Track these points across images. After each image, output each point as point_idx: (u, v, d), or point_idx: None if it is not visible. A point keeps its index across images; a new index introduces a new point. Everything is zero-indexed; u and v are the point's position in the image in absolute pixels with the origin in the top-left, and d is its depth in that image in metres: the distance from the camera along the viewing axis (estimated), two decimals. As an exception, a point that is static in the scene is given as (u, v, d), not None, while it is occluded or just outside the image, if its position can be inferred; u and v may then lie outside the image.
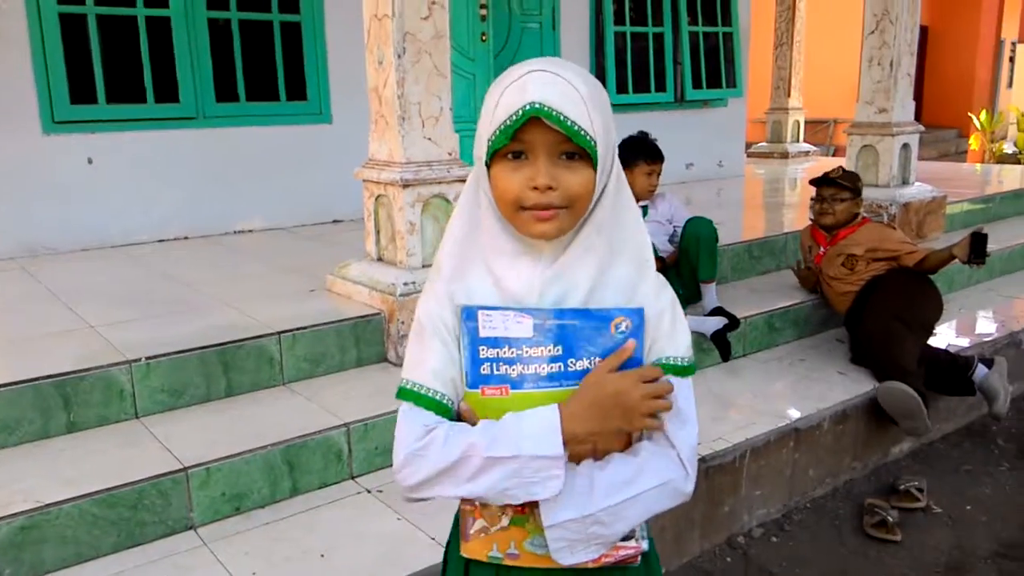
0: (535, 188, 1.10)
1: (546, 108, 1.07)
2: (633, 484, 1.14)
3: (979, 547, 3.15)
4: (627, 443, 1.19)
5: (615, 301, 1.17)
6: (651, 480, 1.15)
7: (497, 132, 1.10)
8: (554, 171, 1.10)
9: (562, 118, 1.07)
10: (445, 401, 1.16)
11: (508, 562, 1.21)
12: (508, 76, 1.12)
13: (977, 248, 3.72)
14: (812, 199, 4.27)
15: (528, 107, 1.07)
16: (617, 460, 1.16)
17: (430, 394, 1.16)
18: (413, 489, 1.15)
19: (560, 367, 1.14)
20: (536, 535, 1.18)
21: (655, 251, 3.97)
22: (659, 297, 1.20)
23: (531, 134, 1.09)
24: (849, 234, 4.10)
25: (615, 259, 1.17)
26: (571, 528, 1.13)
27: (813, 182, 4.27)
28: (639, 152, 3.96)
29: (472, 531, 1.21)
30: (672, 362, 1.19)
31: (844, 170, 4.21)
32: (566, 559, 1.15)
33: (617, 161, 1.18)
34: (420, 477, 1.13)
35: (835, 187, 4.14)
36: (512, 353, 1.15)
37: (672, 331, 1.19)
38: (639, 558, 1.23)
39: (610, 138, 1.14)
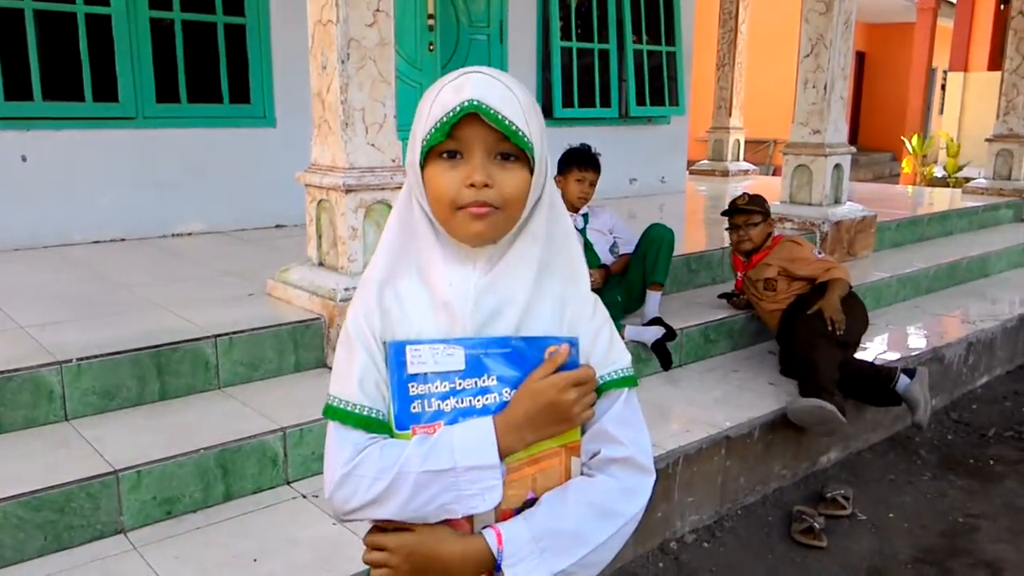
0: (471, 185, 1.08)
1: (484, 105, 1.06)
2: (595, 531, 1.11)
3: (900, 552, 3.26)
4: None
5: (550, 315, 1.15)
6: (612, 523, 1.12)
7: (433, 129, 1.09)
8: (490, 169, 1.09)
9: (500, 116, 1.07)
10: (374, 415, 1.12)
11: None
12: (443, 80, 1.12)
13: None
14: (727, 229, 4.38)
15: (467, 103, 1.06)
16: (574, 506, 1.12)
17: (357, 411, 1.12)
18: (348, 513, 1.12)
19: (496, 398, 1.11)
20: None
21: (598, 260, 4.07)
22: (595, 315, 1.19)
23: (467, 131, 1.08)
24: (762, 258, 4.25)
25: (549, 272, 1.16)
26: None
27: (724, 213, 4.40)
28: (571, 159, 4.00)
29: None
30: (615, 376, 1.17)
31: (748, 195, 4.33)
32: None
33: (551, 174, 1.18)
34: (356, 501, 1.10)
35: (745, 214, 4.25)
36: (445, 387, 1.11)
37: (610, 347, 1.18)
38: None
39: (544, 148, 1.13)
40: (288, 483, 2.92)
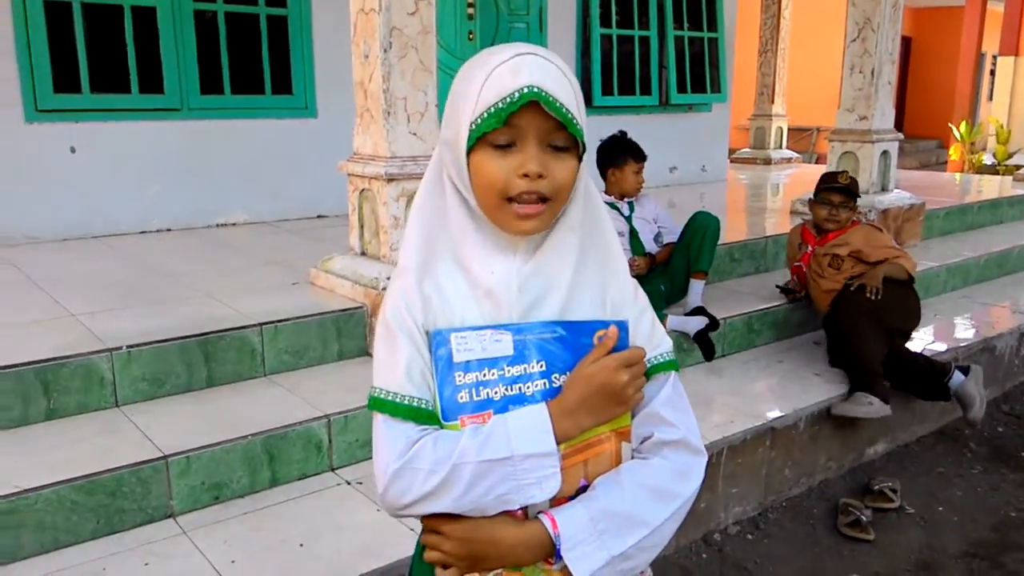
0: (524, 176, 1.04)
1: (544, 93, 1.02)
2: (652, 513, 1.10)
3: (950, 547, 3.20)
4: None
5: (591, 300, 1.13)
6: (668, 505, 1.11)
7: (486, 115, 1.03)
8: (543, 158, 1.05)
9: (558, 104, 1.03)
10: (424, 406, 1.08)
11: None
12: (491, 58, 1.06)
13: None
14: (813, 201, 4.24)
15: (526, 90, 1.02)
16: (630, 489, 1.10)
17: (406, 402, 1.08)
18: (403, 508, 1.08)
19: (545, 383, 1.09)
20: None
21: (643, 248, 4.05)
22: (636, 300, 1.18)
23: (523, 119, 1.04)
24: (839, 235, 4.14)
25: (587, 257, 1.14)
26: (602, 573, 1.07)
27: (823, 187, 4.21)
28: (628, 151, 4.06)
29: None
30: (659, 361, 1.16)
31: (851, 176, 4.19)
32: None
33: (586, 158, 1.14)
34: (412, 495, 1.06)
35: (845, 195, 4.13)
36: (493, 375, 1.07)
37: (652, 332, 1.17)
38: None
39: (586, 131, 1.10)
40: (333, 470, 2.95)
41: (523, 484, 1.05)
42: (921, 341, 4.40)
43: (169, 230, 5.37)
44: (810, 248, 4.25)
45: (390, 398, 1.09)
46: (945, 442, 4.14)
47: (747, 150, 9.93)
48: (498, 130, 1.04)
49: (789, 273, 4.54)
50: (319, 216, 5.91)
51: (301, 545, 2.47)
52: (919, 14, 18.74)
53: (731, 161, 9.36)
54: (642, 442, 1.15)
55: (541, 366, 1.09)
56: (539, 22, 6.98)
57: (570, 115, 1.05)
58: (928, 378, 3.82)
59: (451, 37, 6.31)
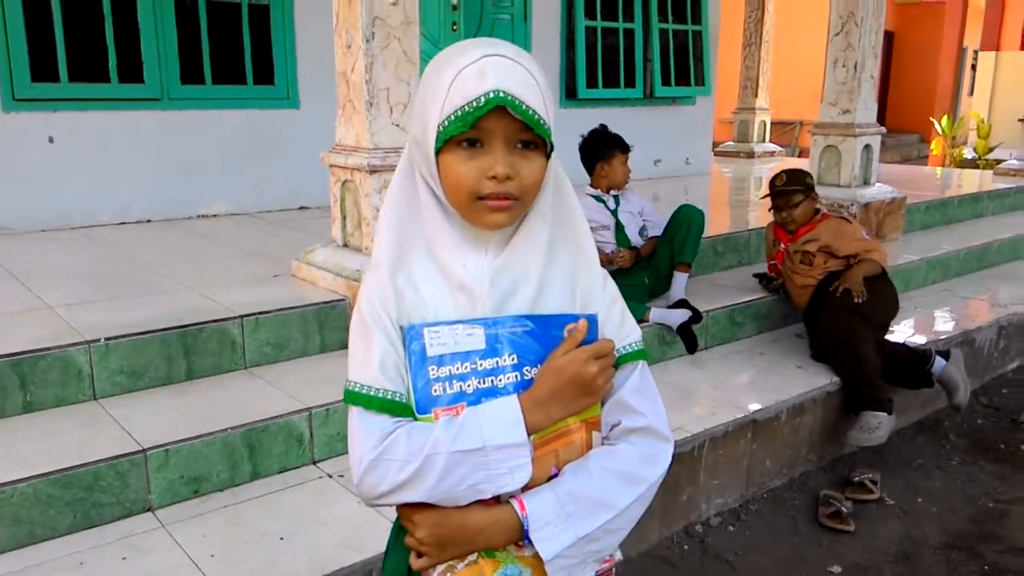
0: (493, 178, 1.06)
1: (510, 97, 1.04)
2: (618, 497, 1.12)
3: (930, 538, 3.23)
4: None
5: (561, 291, 1.15)
6: (634, 489, 1.14)
7: (453, 118, 1.05)
8: (511, 159, 1.07)
9: (524, 107, 1.04)
10: (397, 399, 1.11)
11: None
12: (458, 57, 1.07)
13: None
14: (770, 209, 4.26)
15: (492, 95, 1.03)
16: (597, 473, 1.12)
17: (381, 395, 1.10)
18: (378, 498, 1.10)
19: (517, 376, 1.11)
20: (509, 564, 1.13)
21: (628, 242, 4.05)
22: (605, 289, 1.20)
23: (490, 122, 1.05)
24: (808, 231, 4.15)
25: (558, 247, 1.16)
26: (568, 554, 1.10)
27: (764, 196, 4.29)
28: (614, 144, 4.07)
29: (436, 575, 1.14)
30: (628, 351, 1.18)
31: (787, 175, 4.17)
32: None
33: (556, 151, 1.15)
34: (386, 486, 1.08)
35: (784, 196, 4.12)
36: (465, 368, 1.10)
37: (622, 322, 1.19)
38: (613, 571, 1.21)
39: (553, 126, 1.11)
40: (314, 463, 2.93)
41: (495, 474, 1.08)
42: (902, 334, 4.43)
43: (149, 221, 5.32)
44: (783, 246, 4.28)
45: (364, 391, 1.11)
46: (925, 434, 4.17)
47: (731, 143, 9.96)
48: (465, 132, 1.06)
49: (767, 267, 4.56)
50: (301, 207, 5.87)
51: (281, 539, 2.46)
52: (901, 9, 18.83)
53: (715, 154, 9.38)
54: (611, 429, 1.18)
55: (513, 359, 1.11)
56: (523, 13, 6.96)
57: (536, 116, 1.06)
58: (910, 367, 3.84)
59: (435, 28, 6.28)
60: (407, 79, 3.48)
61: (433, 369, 1.10)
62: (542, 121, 1.06)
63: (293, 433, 2.88)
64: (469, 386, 1.10)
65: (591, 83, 7.37)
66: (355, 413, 1.12)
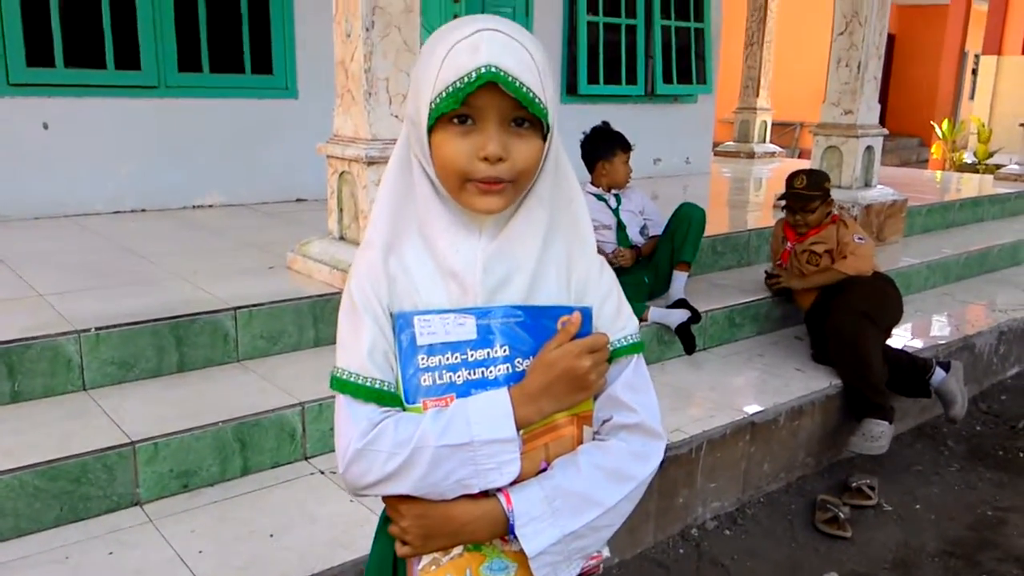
0: (484, 159, 1.02)
1: (502, 73, 0.99)
2: (607, 494, 1.10)
3: (927, 545, 3.19)
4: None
5: (556, 279, 1.12)
6: (623, 486, 1.11)
7: (444, 95, 1.00)
8: (505, 139, 1.02)
9: (518, 84, 0.99)
10: (386, 388, 1.08)
11: None
12: (453, 32, 1.03)
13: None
14: (783, 207, 4.19)
15: (484, 70, 0.98)
16: (586, 469, 1.10)
17: (368, 383, 1.07)
18: (363, 488, 1.08)
19: (509, 368, 1.08)
20: (495, 558, 1.12)
21: (629, 241, 4.01)
22: (602, 279, 1.16)
23: (482, 99, 1.00)
24: (817, 232, 4.11)
25: (554, 233, 1.12)
26: (553, 551, 1.08)
27: (783, 194, 4.18)
28: (616, 142, 4.03)
29: (421, 567, 1.12)
30: (625, 343, 1.15)
31: (807, 176, 4.08)
32: None
33: (556, 130, 1.10)
34: (372, 477, 1.06)
35: (804, 200, 4.04)
36: (456, 358, 1.07)
37: (618, 312, 1.16)
38: (600, 567, 1.19)
39: (556, 110, 1.07)
40: (306, 458, 2.88)
41: (483, 469, 1.05)
42: (902, 338, 4.40)
43: (143, 210, 5.26)
44: (789, 245, 4.23)
45: (352, 379, 1.08)
46: (923, 440, 4.14)
47: (731, 143, 9.91)
48: (456, 109, 1.01)
49: (773, 266, 4.51)
50: (298, 199, 5.82)
51: (271, 535, 2.41)
52: (904, 11, 18.80)
53: (715, 154, 9.35)
54: (602, 424, 1.15)
55: (505, 351, 1.08)
56: (525, 7, 6.91)
57: (531, 94, 1.01)
58: (910, 375, 3.81)
59: (436, 19, 6.21)
60: (407, 69, 3.43)
61: (423, 358, 1.07)
62: (537, 99, 1.01)
63: (285, 428, 2.83)
64: (459, 377, 1.07)
65: (592, 79, 7.32)
66: (342, 401, 1.09)
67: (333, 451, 2.87)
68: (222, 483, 2.71)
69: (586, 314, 1.11)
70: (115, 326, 2.94)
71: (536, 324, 1.09)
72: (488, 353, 1.08)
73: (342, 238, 3.66)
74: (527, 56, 1.01)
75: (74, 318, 2.99)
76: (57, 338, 2.84)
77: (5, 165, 4.76)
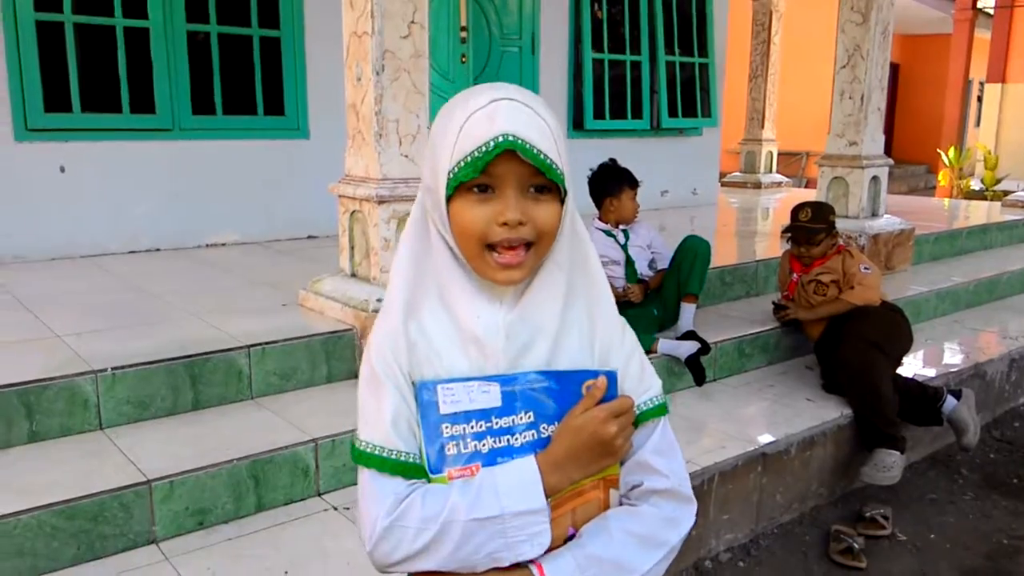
0: (504, 224, 1.02)
1: (520, 141, 1.00)
2: (639, 561, 1.09)
3: (942, 575, 3.17)
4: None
5: (579, 342, 1.12)
6: (655, 553, 1.11)
7: (463, 164, 1.02)
8: (523, 205, 1.03)
9: (535, 151, 1.01)
10: (411, 460, 1.06)
11: None
12: (468, 102, 1.04)
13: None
14: (788, 239, 4.21)
15: (501, 139, 1.00)
16: (618, 536, 1.09)
17: (394, 456, 1.06)
18: (392, 566, 1.06)
19: (534, 434, 1.07)
20: None
21: (637, 275, 4.04)
22: (624, 341, 1.16)
23: (501, 167, 1.02)
24: (823, 263, 4.13)
25: (574, 295, 1.12)
26: None
27: (786, 230, 4.22)
28: (623, 179, 4.08)
29: None
30: (649, 406, 1.15)
31: (812, 210, 4.11)
32: None
33: (574, 197, 1.11)
34: (401, 554, 1.04)
35: (808, 232, 4.06)
36: (481, 426, 1.06)
37: (641, 373, 1.16)
38: None
39: (569, 170, 1.08)
40: (319, 495, 2.90)
41: (514, 541, 1.04)
42: (912, 367, 4.40)
43: (158, 250, 5.34)
44: (795, 276, 4.25)
45: (377, 452, 1.07)
46: (937, 468, 4.12)
47: (737, 174, 9.98)
48: (476, 178, 1.03)
49: (781, 297, 4.53)
50: (309, 236, 5.89)
51: (286, 572, 2.43)
52: (907, 41, 18.95)
53: (722, 184, 9.41)
54: (631, 489, 1.14)
55: (529, 417, 1.08)
56: (531, 46, 7.02)
57: (548, 160, 1.02)
58: (921, 404, 3.80)
59: (444, 60, 6.33)
60: (416, 111, 3.51)
61: (447, 427, 1.06)
62: (554, 165, 1.03)
63: (299, 464, 2.85)
64: (484, 445, 1.06)
65: (598, 114, 7.41)
66: (367, 476, 1.08)
67: (346, 487, 2.91)
68: (237, 520, 2.73)
69: (611, 378, 1.10)
70: (131, 366, 2.98)
71: (561, 389, 1.08)
72: (513, 420, 1.07)
73: (354, 275, 3.71)
74: (542, 123, 1.03)
75: (91, 358, 3.03)
76: (74, 378, 2.88)
77: (23, 207, 4.85)
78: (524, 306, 1.09)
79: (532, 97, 1.06)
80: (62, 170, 4.97)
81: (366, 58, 3.40)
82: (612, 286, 3.48)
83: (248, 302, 3.97)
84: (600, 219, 4.15)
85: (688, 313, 4.06)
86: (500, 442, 1.07)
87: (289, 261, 5.09)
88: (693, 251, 4.05)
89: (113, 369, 2.94)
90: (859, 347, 3.73)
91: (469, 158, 1.01)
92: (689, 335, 4.00)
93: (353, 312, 3.49)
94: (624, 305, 3.92)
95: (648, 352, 3.81)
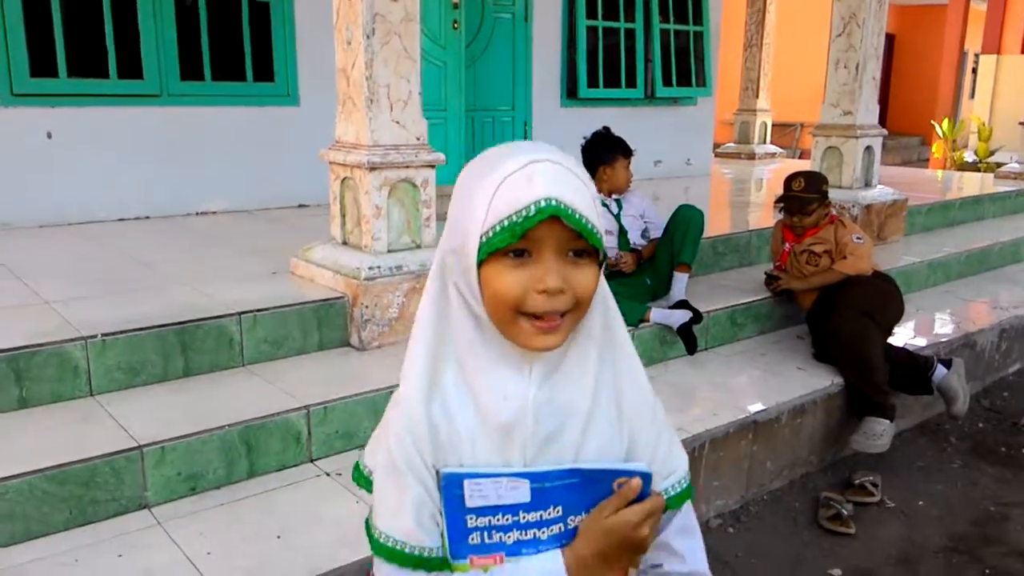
0: (543, 291, 0.96)
1: (563, 206, 0.94)
2: None
3: (930, 541, 3.21)
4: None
5: (608, 427, 1.06)
6: None
7: (499, 228, 0.95)
8: (563, 271, 0.97)
9: (578, 216, 0.95)
10: (435, 555, 1.03)
11: None
12: (502, 164, 0.97)
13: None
14: (781, 209, 4.20)
15: (544, 203, 0.93)
16: None
17: (416, 552, 1.02)
18: None
19: (561, 527, 1.04)
20: None
21: (630, 245, 4.03)
22: (655, 421, 1.11)
23: (540, 231, 0.95)
24: (815, 232, 4.13)
25: (604, 369, 1.06)
26: None
27: (779, 199, 4.20)
28: (617, 148, 4.06)
29: None
30: (677, 490, 1.12)
31: (805, 179, 4.10)
32: None
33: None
34: None
35: (801, 202, 4.06)
36: (507, 520, 1.02)
37: (669, 454, 1.12)
38: None
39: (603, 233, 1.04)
40: (312, 461, 2.91)
41: None
42: (903, 336, 4.41)
43: (147, 218, 5.29)
44: (788, 246, 4.25)
45: (399, 548, 1.03)
46: (926, 436, 4.15)
47: (731, 144, 9.94)
48: (514, 244, 0.96)
49: (773, 267, 4.53)
50: (300, 205, 5.85)
51: (278, 537, 2.44)
52: (903, 12, 18.83)
53: (715, 155, 9.38)
54: (651, 567, 1.14)
55: (558, 511, 1.05)
56: (524, 13, 6.94)
57: (590, 225, 0.97)
58: (911, 372, 3.82)
59: (435, 26, 6.24)
60: (408, 76, 3.46)
61: (472, 519, 1.03)
62: (595, 230, 0.97)
63: (291, 431, 2.85)
64: (509, 538, 1.03)
65: (592, 83, 7.34)
66: (386, 569, 1.04)
67: (338, 453, 2.92)
68: (229, 486, 2.73)
69: (646, 479, 1.05)
70: (121, 332, 2.97)
71: (592, 485, 1.05)
72: (541, 515, 1.04)
73: (345, 243, 3.69)
74: (581, 186, 0.98)
75: (81, 325, 3.01)
76: (64, 344, 2.86)
77: (9, 174, 4.79)
78: (555, 384, 1.03)
79: (566, 157, 1.00)
80: (49, 136, 4.91)
81: (356, 21, 3.35)
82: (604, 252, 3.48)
83: (239, 270, 3.95)
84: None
85: (681, 282, 4.06)
86: (527, 535, 1.04)
87: (280, 229, 5.06)
88: (686, 221, 4.04)
89: (103, 335, 2.93)
90: (850, 316, 3.73)
91: (507, 222, 0.95)
92: (681, 304, 4.00)
93: (344, 280, 3.48)
94: (617, 274, 3.92)
95: (641, 321, 3.83)
